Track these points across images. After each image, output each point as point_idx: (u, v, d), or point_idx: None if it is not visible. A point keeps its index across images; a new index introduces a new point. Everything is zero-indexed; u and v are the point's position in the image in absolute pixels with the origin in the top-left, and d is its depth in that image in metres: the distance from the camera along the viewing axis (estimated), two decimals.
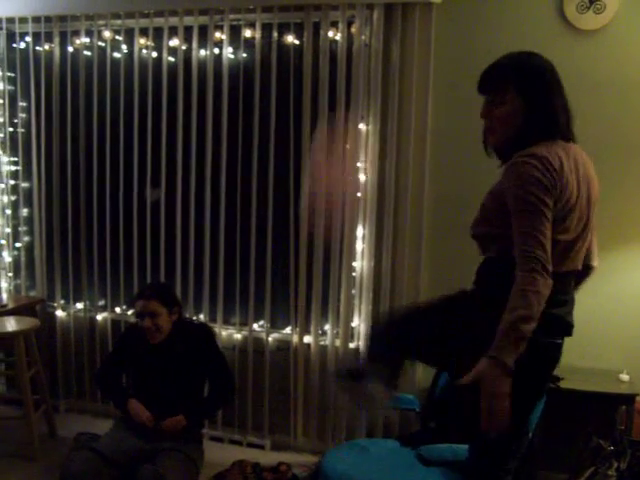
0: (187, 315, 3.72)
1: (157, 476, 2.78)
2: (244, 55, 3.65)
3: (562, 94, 1.91)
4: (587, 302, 3.20)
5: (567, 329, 1.95)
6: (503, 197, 1.83)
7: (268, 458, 3.47)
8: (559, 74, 1.92)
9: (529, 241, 1.72)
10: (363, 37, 3.39)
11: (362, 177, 3.46)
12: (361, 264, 3.51)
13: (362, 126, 3.43)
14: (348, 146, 3.44)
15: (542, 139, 1.84)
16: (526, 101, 1.88)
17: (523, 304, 1.68)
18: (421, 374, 3.37)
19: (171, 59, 3.77)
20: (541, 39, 3.14)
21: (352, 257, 3.51)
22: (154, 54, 3.82)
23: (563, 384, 2.61)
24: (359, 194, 3.47)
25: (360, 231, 3.50)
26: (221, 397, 3.31)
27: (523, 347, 1.69)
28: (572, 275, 1.95)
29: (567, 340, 3.30)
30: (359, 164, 3.45)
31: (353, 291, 3.54)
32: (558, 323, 1.89)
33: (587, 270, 2.10)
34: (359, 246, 3.51)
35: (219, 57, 3.67)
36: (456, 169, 3.34)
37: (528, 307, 1.68)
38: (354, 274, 3.53)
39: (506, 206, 1.81)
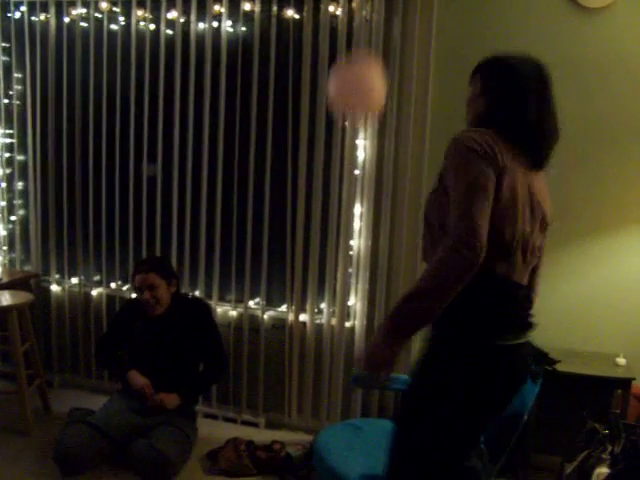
0: (183, 291, 3.70)
1: (151, 450, 2.81)
2: (243, 29, 3.58)
3: (531, 108, 1.74)
4: (584, 286, 3.20)
5: (521, 328, 1.80)
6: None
7: (262, 436, 3.47)
8: (540, 92, 1.77)
9: (462, 217, 1.58)
10: (364, 12, 3.32)
11: (360, 154, 3.42)
12: (358, 242, 3.48)
13: None
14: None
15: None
16: (485, 92, 1.82)
17: (420, 282, 1.61)
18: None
19: (169, 32, 3.71)
20: (546, 16, 3.06)
21: (349, 235, 3.48)
22: (151, 26, 3.75)
23: (559, 367, 2.59)
24: (357, 172, 3.43)
25: (358, 209, 3.46)
26: (214, 373, 3.32)
27: (416, 325, 1.64)
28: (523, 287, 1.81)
29: (564, 323, 3.29)
30: (357, 141, 3.41)
31: (350, 270, 3.51)
32: (506, 322, 1.74)
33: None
34: (356, 224, 3.47)
35: (218, 30, 3.60)
36: None
37: (423, 283, 1.60)
38: (351, 252, 3.50)
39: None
